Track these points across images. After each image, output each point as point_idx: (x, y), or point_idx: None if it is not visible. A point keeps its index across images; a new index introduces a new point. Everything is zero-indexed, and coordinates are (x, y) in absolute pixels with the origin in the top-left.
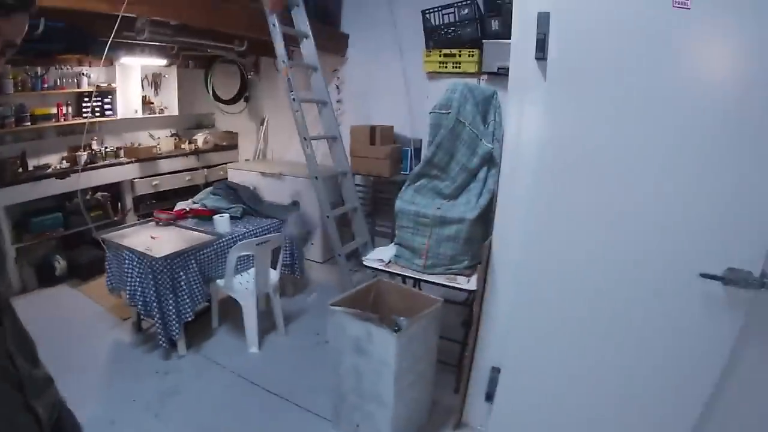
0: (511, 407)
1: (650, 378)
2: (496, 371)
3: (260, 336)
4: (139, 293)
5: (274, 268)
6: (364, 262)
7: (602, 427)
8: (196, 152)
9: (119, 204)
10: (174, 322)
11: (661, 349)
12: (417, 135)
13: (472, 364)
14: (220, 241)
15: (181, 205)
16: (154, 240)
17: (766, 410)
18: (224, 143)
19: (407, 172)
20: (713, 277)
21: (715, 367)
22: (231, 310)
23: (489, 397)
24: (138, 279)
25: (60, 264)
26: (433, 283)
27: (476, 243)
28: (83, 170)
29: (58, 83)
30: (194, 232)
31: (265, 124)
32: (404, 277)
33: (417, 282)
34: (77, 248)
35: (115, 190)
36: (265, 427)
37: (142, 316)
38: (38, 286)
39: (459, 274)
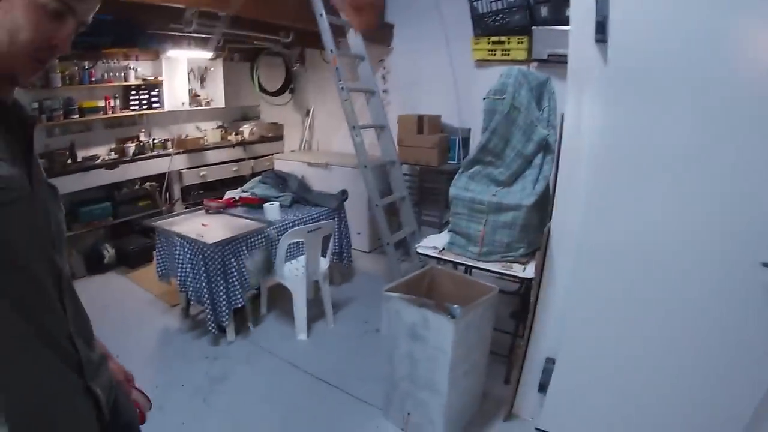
0: (565, 399)
1: (707, 370)
2: (550, 362)
3: (309, 323)
4: (190, 279)
5: (324, 256)
6: (417, 250)
7: (657, 420)
8: (243, 143)
9: (167, 194)
10: (224, 308)
11: (720, 341)
12: (465, 124)
13: (525, 354)
14: (270, 228)
15: (230, 194)
16: (205, 227)
17: None
18: (270, 134)
19: (455, 162)
20: None
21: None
22: (280, 297)
23: (542, 387)
24: (189, 265)
25: (109, 252)
26: (489, 270)
27: (532, 230)
28: (131, 161)
29: (106, 77)
30: (244, 219)
31: (310, 115)
32: (456, 265)
33: (469, 269)
34: (125, 237)
35: (163, 180)
36: (315, 414)
37: (191, 302)
38: (87, 273)
39: (515, 262)
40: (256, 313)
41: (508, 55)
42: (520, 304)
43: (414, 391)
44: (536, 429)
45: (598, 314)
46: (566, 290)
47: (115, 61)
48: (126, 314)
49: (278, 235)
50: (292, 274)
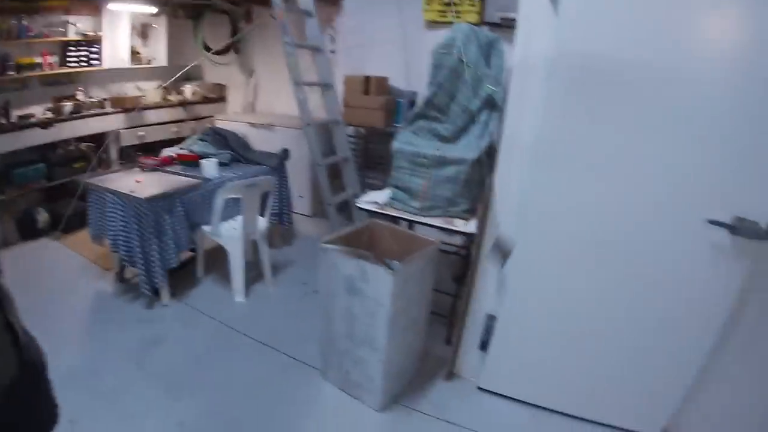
0: (506, 357)
1: (653, 326)
2: (491, 319)
3: (247, 285)
4: (122, 238)
5: (262, 216)
6: (357, 204)
7: (601, 377)
8: (184, 104)
9: (104, 155)
10: (158, 268)
11: (665, 297)
12: (412, 87)
13: (466, 311)
14: (207, 185)
15: (167, 152)
16: (139, 183)
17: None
18: (213, 95)
19: (401, 125)
20: (720, 224)
21: (719, 317)
22: (217, 261)
23: (483, 345)
24: (121, 223)
25: (42, 216)
26: (430, 225)
27: (475, 186)
28: (68, 120)
29: (44, 32)
30: (181, 176)
31: (254, 76)
32: (398, 220)
33: (411, 224)
34: (60, 200)
35: (100, 141)
36: (252, 377)
37: (125, 264)
38: (20, 239)
39: (457, 217)
40: (193, 276)
41: (460, 17)
42: (463, 266)
43: (352, 348)
44: (478, 388)
45: (540, 271)
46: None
47: (54, 15)
48: (59, 280)
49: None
50: (229, 233)
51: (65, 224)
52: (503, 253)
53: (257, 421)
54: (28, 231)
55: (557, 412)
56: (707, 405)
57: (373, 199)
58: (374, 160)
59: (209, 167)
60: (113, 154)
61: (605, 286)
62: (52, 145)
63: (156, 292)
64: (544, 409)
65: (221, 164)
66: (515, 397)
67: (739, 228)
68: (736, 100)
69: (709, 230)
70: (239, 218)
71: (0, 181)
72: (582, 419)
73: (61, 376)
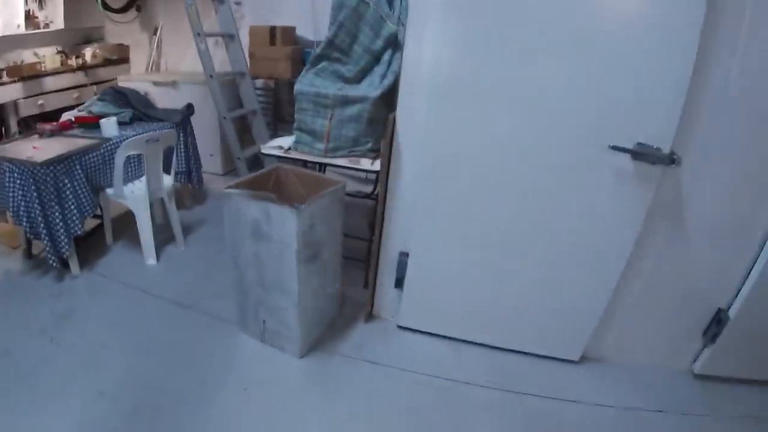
0: (421, 293)
1: (565, 254)
2: (404, 256)
3: (158, 248)
4: (23, 208)
5: (167, 173)
6: (261, 150)
7: (516, 307)
8: (84, 68)
9: (2, 128)
10: (63, 237)
11: (574, 225)
12: (320, 37)
13: (379, 250)
14: (107, 144)
15: (66, 116)
16: (37, 150)
17: (676, 285)
18: (115, 57)
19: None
20: (623, 150)
21: (627, 242)
22: (126, 226)
23: (399, 282)
24: (20, 192)
25: None
26: (336, 165)
27: (379, 125)
28: None
29: None
30: (80, 139)
31: (158, 33)
32: (306, 164)
33: (322, 168)
34: None
35: None
36: (170, 338)
37: (30, 237)
38: None
39: (363, 157)
40: (102, 244)
41: None
42: (375, 212)
43: (265, 296)
44: (398, 326)
45: (448, 205)
46: (414, 181)
47: None
48: None
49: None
50: (133, 193)
51: None
52: None
53: (178, 381)
54: None
55: (477, 343)
56: (621, 330)
57: (278, 144)
58: (285, 112)
59: (108, 126)
60: (12, 126)
61: (513, 216)
62: None
63: (65, 264)
64: (464, 341)
65: (122, 123)
66: (435, 332)
67: (642, 153)
68: (640, 25)
69: (612, 156)
70: (143, 179)
71: None
72: (503, 349)
73: None
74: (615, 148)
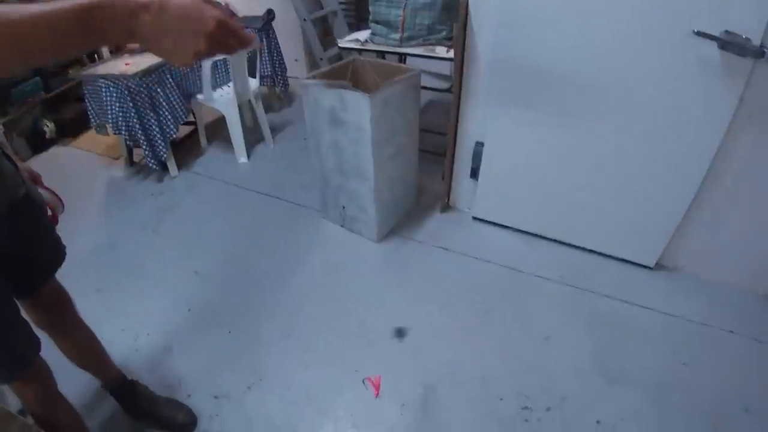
0: (496, 184)
1: (643, 151)
2: (479, 145)
3: (249, 147)
4: (121, 119)
5: (253, 77)
6: (338, 44)
7: (593, 204)
8: None
9: (95, 55)
10: (160, 141)
11: (654, 120)
12: None
13: (456, 139)
14: None
15: None
16: (129, 65)
17: (762, 199)
18: None
19: None
20: (708, 36)
21: (712, 142)
22: (218, 130)
23: (474, 173)
24: (117, 104)
25: (49, 127)
26: (411, 54)
27: (455, 12)
28: None
29: None
30: None
31: None
32: (384, 55)
33: (402, 60)
34: (63, 108)
35: None
36: (260, 224)
37: (130, 145)
38: (32, 154)
39: (438, 45)
40: (197, 147)
41: None
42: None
43: (344, 182)
44: (473, 218)
45: (524, 91)
46: (489, 68)
47: None
48: (74, 179)
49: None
50: (222, 97)
51: (71, 128)
52: None
53: (265, 261)
54: (38, 144)
55: (551, 239)
56: (700, 241)
57: (354, 38)
58: (366, 11)
59: None
60: (104, 51)
61: (591, 106)
62: None
63: (163, 166)
64: (538, 236)
65: None
66: (509, 225)
67: (729, 42)
68: None
69: (696, 42)
70: (231, 84)
71: (1, 104)
72: (576, 247)
73: (84, 257)
74: (699, 33)
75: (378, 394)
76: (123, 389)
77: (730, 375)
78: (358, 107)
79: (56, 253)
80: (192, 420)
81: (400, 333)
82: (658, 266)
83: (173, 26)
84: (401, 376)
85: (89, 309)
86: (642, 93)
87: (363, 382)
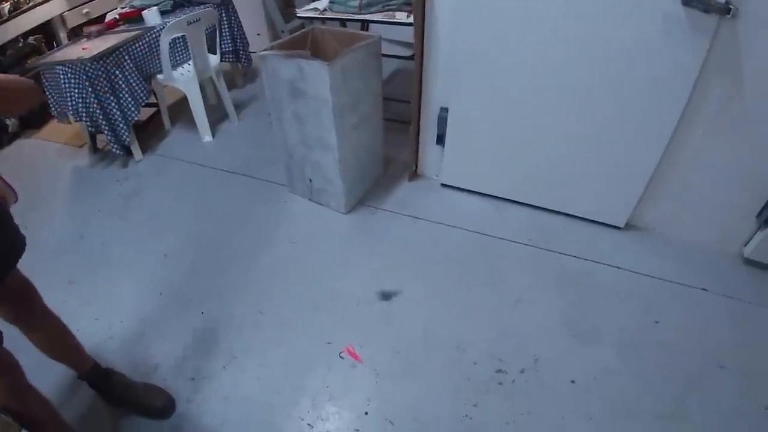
0: (463, 149)
1: (611, 109)
2: (444, 111)
3: (213, 126)
4: (81, 105)
5: (213, 53)
6: (297, 14)
7: (562, 167)
8: None
9: (54, 43)
10: (122, 125)
11: (620, 79)
12: None
13: (420, 106)
14: (152, 33)
15: (110, 15)
16: (86, 50)
17: (730, 158)
18: None
19: None
20: None
21: (678, 99)
22: (181, 111)
23: (440, 139)
24: (76, 90)
25: (11, 121)
26: (372, 21)
27: None
28: (9, 20)
29: None
30: (125, 33)
31: None
32: (344, 23)
33: (364, 27)
34: None
35: (47, 30)
36: (225, 202)
37: (91, 131)
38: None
39: (398, 11)
40: (161, 130)
41: None
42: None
43: (309, 154)
44: (442, 185)
45: (488, 52)
46: (450, 31)
47: None
48: (39, 171)
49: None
50: (183, 75)
51: (34, 120)
52: None
53: (234, 239)
54: (1, 139)
55: (520, 203)
56: (669, 201)
57: (313, 7)
58: None
59: (151, 16)
60: (63, 39)
61: (556, 64)
62: (1, 48)
63: (127, 151)
64: (507, 201)
65: (164, 12)
66: (477, 191)
67: None
68: None
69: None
70: (191, 62)
71: None
72: (545, 209)
73: (53, 249)
74: None
75: (360, 360)
76: (99, 378)
77: (704, 332)
78: (317, 77)
79: (15, 244)
80: (170, 404)
81: (372, 302)
82: (628, 227)
83: None
84: (375, 345)
85: (61, 300)
86: (607, 51)
87: (340, 356)
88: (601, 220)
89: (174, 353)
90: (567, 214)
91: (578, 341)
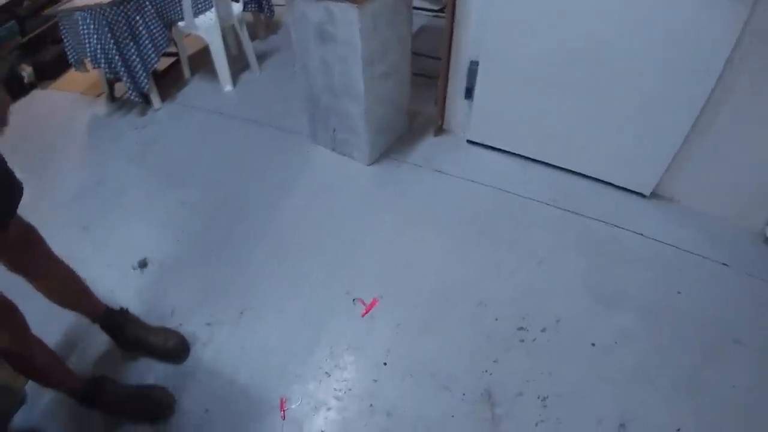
0: (491, 105)
1: (643, 74)
2: (474, 64)
3: (234, 76)
4: (99, 51)
5: (236, 1)
6: None
7: (591, 129)
8: None
9: None
10: (141, 71)
11: (654, 43)
12: None
13: (449, 59)
14: None
15: None
16: None
17: (761, 135)
18: None
19: None
20: None
21: (712, 70)
22: (202, 62)
23: (468, 93)
24: (95, 36)
25: (26, 71)
26: None
27: None
28: None
29: None
30: None
31: None
32: None
33: None
34: (41, 51)
35: None
36: (245, 151)
37: (110, 77)
38: (11, 100)
39: None
40: (180, 79)
41: None
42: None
43: (334, 102)
44: (467, 141)
45: (522, 6)
46: None
47: None
48: (56, 121)
49: None
50: (205, 23)
51: (51, 70)
52: None
53: (254, 188)
54: (17, 89)
55: (545, 163)
56: (697, 172)
57: None
58: None
59: None
60: None
61: (594, 27)
62: (17, 1)
63: (146, 99)
64: (533, 160)
65: None
66: (503, 148)
67: None
68: None
69: None
70: (213, 9)
71: None
72: (572, 172)
73: (68, 195)
74: None
75: (364, 314)
76: (112, 320)
77: (723, 306)
78: (346, 20)
79: (11, 191)
80: (185, 346)
81: (393, 255)
82: (654, 195)
83: None
84: (395, 297)
85: (75, 247)
86: (644, 14)
87: (353, 302)
88: (626, 187)
89: (190, 299)
90: (592, 178)
91: (600, 304)
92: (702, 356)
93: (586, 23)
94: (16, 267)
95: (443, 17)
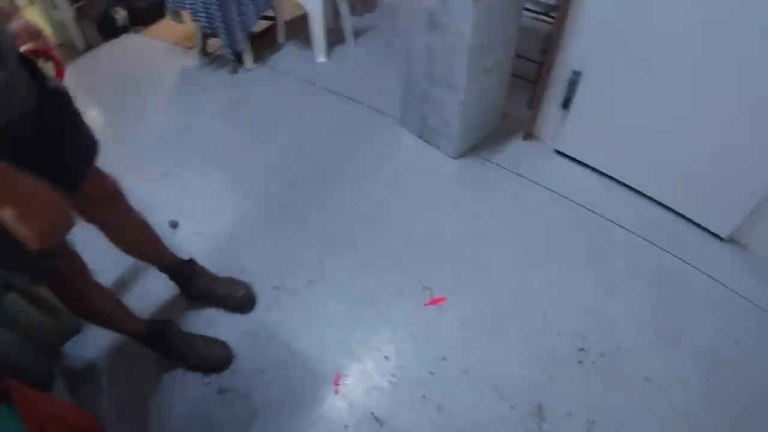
0: (587, 119)
1: (747, 116)
2: (577, 74)
3: (329, 48)
4: (201, 5)
5: None
6: None
7: (681, 160)
8: None
9: None
10: (239, 30)
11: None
12: None
13: (551, 65)
14: None
15: None
16: None
17: None
18: None
19: None
20: None
21: None
22: (297, 30)
23: (566, 103)
24: None
25: (120, 14)
26: None
27: None
28: None
29: None
30: None
31: None
32: None
33: None
34: None
35: None
36: (332, 124)
37: (206, 32)
38: (103, 40)
39: None
40: (274, 43)
41: None
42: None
43: (431, 90)
44: (555, 151)
45: (638, 20)
46: None
47: None
48: (146, 66)
49: None
50: None
51: (144, 17)
52: None
53: (337, 161)
54: (109, 31)
55: (630, 187)
56: None
57: None
58: None
59: None
60: None
61: (705, 53)
62: None
63: (239, 58)
64: (617, 181)
65: None
66: (591, 165)
67: None
68: None
69: None
70: None
71: None
72: (653, 200)
73: (152, 142)
74: None
75: (427, 304)
76: (180, 271)
77: None
78: (460, 11)
79: (88, 146)
80: (252, 299)
81: (468, 252)
82: (729, 239)
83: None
84: (465, 294)
85: (155, 193)
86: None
87: (423, 290)
88: (704, 225)
89: (261, 260)
90: (673, 211)
91: (662, 341)
92: (750, 412)
93: (702, 53)
94: (92, 219)
95: (544, 20)
